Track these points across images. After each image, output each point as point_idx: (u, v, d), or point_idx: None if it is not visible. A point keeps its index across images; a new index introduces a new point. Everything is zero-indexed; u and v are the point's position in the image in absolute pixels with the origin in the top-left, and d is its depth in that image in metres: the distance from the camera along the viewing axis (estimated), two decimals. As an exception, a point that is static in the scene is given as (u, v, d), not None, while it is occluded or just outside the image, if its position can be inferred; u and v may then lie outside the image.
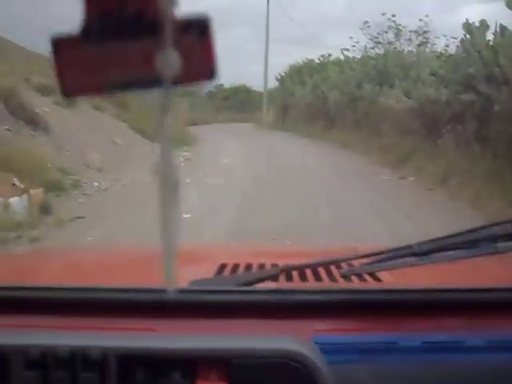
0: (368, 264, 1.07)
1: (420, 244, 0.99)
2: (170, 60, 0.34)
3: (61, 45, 0.38)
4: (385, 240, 6.07)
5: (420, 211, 7.72)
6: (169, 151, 0.35)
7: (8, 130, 9.78)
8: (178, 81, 0.35)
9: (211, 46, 0.37)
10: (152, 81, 0.37)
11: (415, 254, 0.99)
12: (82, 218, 7.22)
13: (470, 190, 8.48)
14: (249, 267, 1.32)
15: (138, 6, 0.36)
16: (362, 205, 8.16)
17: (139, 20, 0.36)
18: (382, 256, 1.04)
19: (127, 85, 0.38)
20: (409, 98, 13.28)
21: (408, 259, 1.01)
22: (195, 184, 9.28)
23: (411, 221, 7.14)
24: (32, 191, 7.41)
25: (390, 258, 1.02)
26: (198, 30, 0.36)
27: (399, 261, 1.02)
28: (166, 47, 0.35)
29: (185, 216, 7.08)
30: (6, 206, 6.94)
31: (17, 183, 7.40)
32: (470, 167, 9.10)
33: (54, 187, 8.46)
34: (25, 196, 7.23)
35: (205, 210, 7.62)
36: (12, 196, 7.05)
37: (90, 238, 6.17)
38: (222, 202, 8.33)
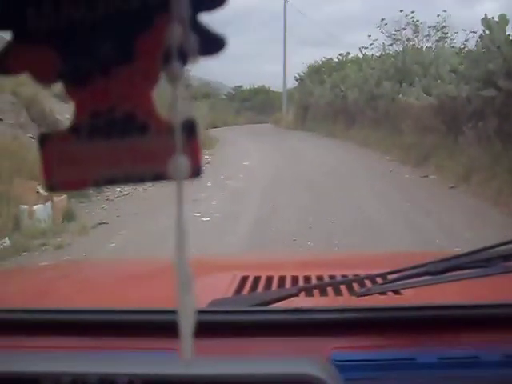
0: (384, 283, 1.09)
1: (434, 263, 1.01)
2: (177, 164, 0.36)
3: (48, 140, 0.40)
4: (408, 241, 6.06)
5: (443, 209, 7.69)
6: (184, 246, 0.37)
7: (31, 137, 9.91)
8: (165, 178, 0.37)
9: (197, 146, 0.38)
10: (137, 178, 0.39)
11: (430, 273, 1.01)
12: (106, 223, 7.30)
13: (493, 187, 8.42)
14: (269, 281, 1.34)
15: (128, 108, 0.38)
16: (384, 204, 8.13)
17: (128, 121, 0.38)
18: (398, 275, 1.06)
19: (112, 181, 0.40)
20: (429, 96, 13.19)
21: (423, 278, 1.03)
22: (216, 187, 9.33)
23: (434, 220, 7.12)
24: (55, 198, 7.49)
25: (406, 277, 1.04)
26: (186, 130, 0.38)
27: (414, 280, 1.04)
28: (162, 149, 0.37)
29: (204, 219, 7.12)
30: (31, 214, 7.04)
31: (40, 191, 7.49)
32: (491, 164, 9.03)
33: (76, 194, 8.55)
34: (49, 203, 7.32)
35: (225, 213, 7.67)
36: (36, 204, 7.14)
37: (113, 244, 6.24)
38: (243, 204, 8.36)
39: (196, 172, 0.38)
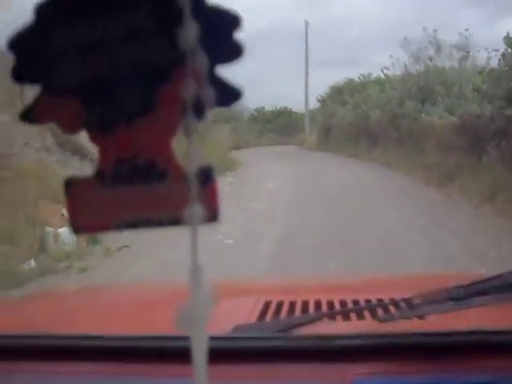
0: (407, 309, 1.09)
1: (458, 288, 1.00)
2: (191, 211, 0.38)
3: (73, 185, 0.42)
4: (433, 261, 6.00)
5: (468, 230, 7.61)
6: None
7: (56, 161, 10.03)
8: (183, 223, 0.39)
9: (215, 191, 0.40)
10: (157, 222, 0.41)
11: (454, 299, 1.00)
12: (127, 246, 7.33)
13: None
14: (293, 306, 1.34)
15: (149, 155, 0.40)
16: (409, 226, 8.07)
17: (149, 168, 0.40)
18: (422, 300, 1.05)
19: (133, 225, 0.41)
20: (452, 115, 13.13)
21: (447, 304, 1.02)
22: (238, 209, 9.33)
23: (459, 240, 7.04)
24: (80, 221, 7.53)
25: (430, 303, 1.04)
26: (203, 177, 0.39)
27: (438, 306, 1.03)
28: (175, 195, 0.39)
29: (227, 242, 7.12)
30: (56, 237, 7.10)
31: (65, 214, 7.55)
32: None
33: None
34: (73, 226, 7.37)
35: (248, 235, 7.66)
36: (61, 226, 7.20)
37: (136, 267, 6.26)
38: (266, 226, 8.35)
39: (213, 217, 0.40)
